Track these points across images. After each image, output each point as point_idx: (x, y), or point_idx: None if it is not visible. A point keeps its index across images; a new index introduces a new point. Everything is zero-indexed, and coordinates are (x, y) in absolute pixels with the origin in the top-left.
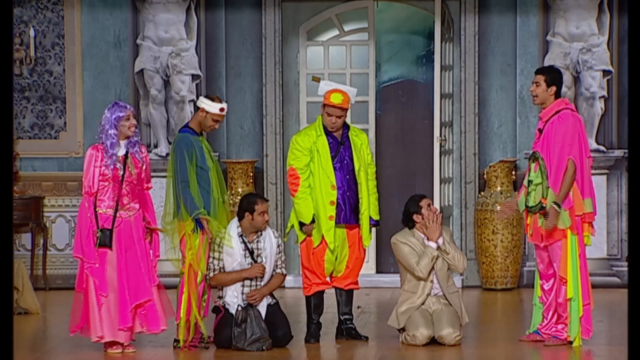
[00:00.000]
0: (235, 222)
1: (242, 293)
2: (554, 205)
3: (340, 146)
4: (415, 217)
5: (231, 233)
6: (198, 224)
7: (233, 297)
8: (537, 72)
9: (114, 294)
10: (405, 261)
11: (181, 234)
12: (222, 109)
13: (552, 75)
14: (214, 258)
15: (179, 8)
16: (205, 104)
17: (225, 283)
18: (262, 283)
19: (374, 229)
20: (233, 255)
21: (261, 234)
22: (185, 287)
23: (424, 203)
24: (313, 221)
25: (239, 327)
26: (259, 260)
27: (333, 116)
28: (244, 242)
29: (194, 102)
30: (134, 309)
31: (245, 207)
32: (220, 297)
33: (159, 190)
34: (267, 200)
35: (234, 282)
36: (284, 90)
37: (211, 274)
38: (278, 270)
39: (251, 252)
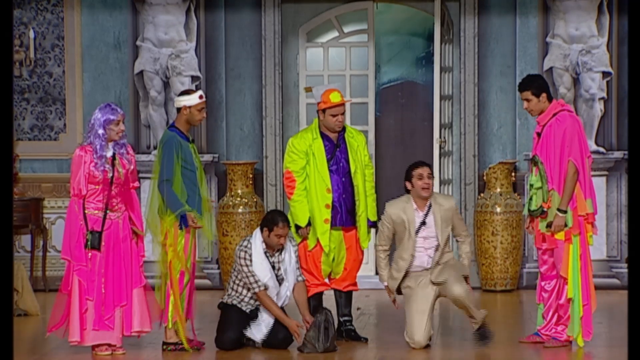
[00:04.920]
0: (259, 237)
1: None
2: (558, 213)
3: (336, 149)
4: (407, 184)
5: (257, 249)
6: (183, 221)
7: (248, 304)
8: (520, 89)
9: (98, 296)
10: (379, 235)
11: (164, 232)
12: (201, 96)
13: (536, 85)
14: (249, 272)
15: (179, 9)
16: (184, 100)
17: (266, 307)
18: (286, 294)
19: (373, 231)
20: (262, 271)
21: (282, 247)
22: (173, 287)
23: (416, 173)
24: (309, 224)
25: (316, 330)
26: (279, 273)
27: (338, 115)
28: (267, 257)
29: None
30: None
31: (267, 223)
32: (229, 295)
33: None
34: (289, 225)
35: (273, 315)
36: (283, 91)
37: (257, 289)
38: (299, 278)
39: (272, 266)
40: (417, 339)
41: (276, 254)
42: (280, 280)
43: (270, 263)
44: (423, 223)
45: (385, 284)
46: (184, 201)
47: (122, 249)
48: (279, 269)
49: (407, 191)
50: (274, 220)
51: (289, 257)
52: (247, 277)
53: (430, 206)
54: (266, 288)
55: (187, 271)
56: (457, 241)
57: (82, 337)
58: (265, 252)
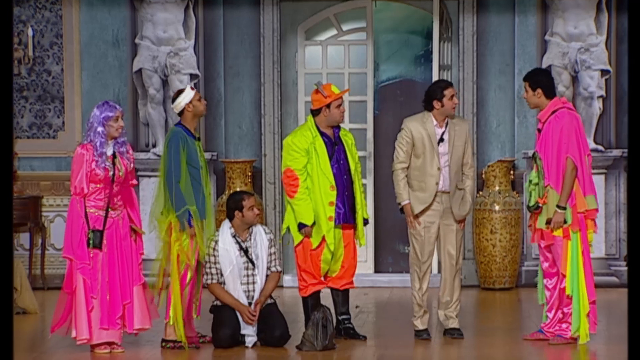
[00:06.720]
0: (227, 223)
1: (245, 291)
2: (558, 209)
3: (335, 146)
4: (435, 102)
5: (224, 235)
6: (188, 221)
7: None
8: (524, 78)
9: (102, 295)
10: (397, 153)
11: (167, 228)
12: (192, 88)
13: (535, 79)
14: (210, 262)
15: (178, 7)
16: (183, 99)
17: (220, 299)
18: (258, 281)
19: (370, 229)
20: (228, 257)
21: (252, 231)
22: (174, 284)
23: (448, 93)
24: (314, 222)
25: (315, 328)
26: (253, 257)
27: (341, 105)
28: (237, 242)
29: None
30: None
31: (233, 206)
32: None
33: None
34: (253, 195)
35: (228, 304)
36: (282, 89)
37: (209, 281)
38: (273, 269)
39: (245, 251)
40: (424, 248)
41: (247, 239)
42: (253, 264)
43: (243, 248)
44: (441, 139)
45: (407, 202)
46: (191, 201)
47: (123, 247)
48: (251, 253)
49: (429, 110)
50: (237, 200)
51: (261, 242)
52: (205, 267)
53: (447, 124)
54: (220, 283)
55: (190, 269)
56: (462, 173)
57: (90, 336)
58: (234, 236)
